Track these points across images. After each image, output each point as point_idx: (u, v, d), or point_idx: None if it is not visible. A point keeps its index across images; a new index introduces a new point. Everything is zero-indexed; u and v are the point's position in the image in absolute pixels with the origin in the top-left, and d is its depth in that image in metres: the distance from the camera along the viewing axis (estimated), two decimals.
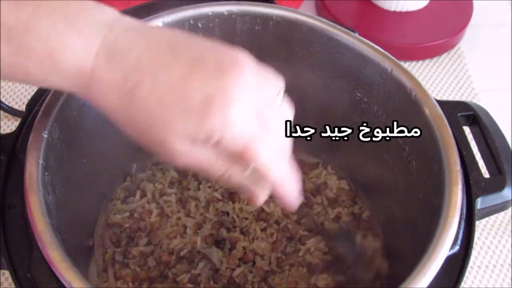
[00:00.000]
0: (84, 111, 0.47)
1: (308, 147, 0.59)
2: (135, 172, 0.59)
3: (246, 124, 0.32)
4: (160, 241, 0.54)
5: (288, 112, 0.36)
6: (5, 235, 0.39)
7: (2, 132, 0.46)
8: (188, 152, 0.33)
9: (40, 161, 0.41)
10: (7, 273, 0.39)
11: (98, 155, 0.51)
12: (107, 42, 0.32)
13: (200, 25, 0.50)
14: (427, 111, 0.45)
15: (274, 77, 0.35)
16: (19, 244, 0.38)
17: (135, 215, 0.56)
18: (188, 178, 0.58)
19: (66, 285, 0.35)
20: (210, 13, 0.50)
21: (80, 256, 0.52)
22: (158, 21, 0.49)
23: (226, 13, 0.50)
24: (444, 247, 0.38)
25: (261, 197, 0.37)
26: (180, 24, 0.50)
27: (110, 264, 0.53)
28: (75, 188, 0.48)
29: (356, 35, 0.50)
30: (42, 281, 0.37)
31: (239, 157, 0.33)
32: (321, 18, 0.50)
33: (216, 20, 0.50)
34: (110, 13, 0.34)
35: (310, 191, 0.58)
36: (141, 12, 0.49)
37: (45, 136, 0.42)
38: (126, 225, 0.55)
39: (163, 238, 0.54)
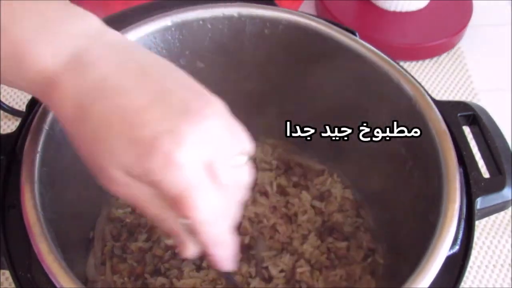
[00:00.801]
0: None
1: (315, 153, 0.60)
2: None
3: (190, 173, 0.29)
4: (158, 238, 0.54)
5: (245, 177, 0.33)
6: (5, 235, 0.39)
7: (2, 132, 0.46)
8: (124, 183, 0.31)
9: (39, 154, 0.41)
10: (7, 273, 0.39)
11: None
12: (78, 52, 0.31)
13: (209, 26, 0.50)
14: (431, 125, 0.44)
15: (242, 136, 0.32)
16: (19, 244, 0.38)
17: (137, 211, 0.56)
18: None
19: (51, 278, 0.36)
20: (220, 15, 0.50)
21: (79, 248, 0.53)
22: (167, 20, 0.49)
23: (236, 15, 0.50)
24: (435, 264, 0.38)
25: (189, 251, 0.34)
26: (189, 24, 0.49)
27: (108, 258, 0.53)
28: (77, 181, 0.48)
29: (368, 45, 0.49)
30: (42, 281, 0.36)
31: (175, 204, 0.30)
32: (331, 24, 0.50)
33: (226, 22, 0.50)
34: (94, 23, 0.32)
35: (314, 198, 0.58)
36: (138, 13, 0.49)
37: (46, 128, 0.42)
38: (127, 220, 0.55)
39: (162, 235, 0.54)
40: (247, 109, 0.59)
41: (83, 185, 0.49)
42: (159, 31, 0.49)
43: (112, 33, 0.33)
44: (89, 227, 0.55)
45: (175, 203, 0.30)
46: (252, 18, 0.50)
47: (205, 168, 0.30)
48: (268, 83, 0.56)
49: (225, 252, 0.34)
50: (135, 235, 0.55)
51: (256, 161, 0.60)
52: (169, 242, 0.53)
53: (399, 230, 0.50)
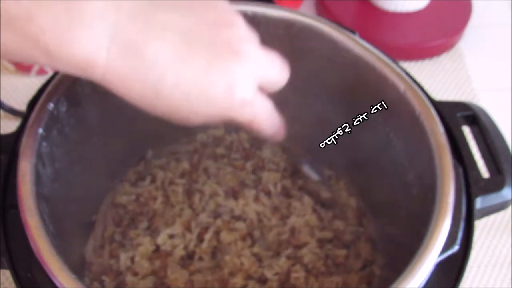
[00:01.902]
0: (100, 89, 0.47)
1: (326, 159, 0.59)
2: (150, 158, 0.60)
3: (256, 103, 0.37)
4: (157, 227, 0.54)
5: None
6: (5, 235, 0.39)
7: (2, 132, 0.46)
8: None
9: (40, 131, 0.41)
10: (7, 272, 0.39)
11: (112, 136, 0.52)
12: (117, 34, 0.31)
13: None
14: (431, 137, 0.44)
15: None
16: (19, 244, 0.38)
17: (141, 199, 0.57)
18: (198, 171, 0.59)
19: (35, 253, 0.36)
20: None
21: (80, 229, 0.53)
22: None
23: (250, 14, 0.50)
24: (441, 235, 0.37)
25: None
26: None
27: (108, 242, 0.54)
28: (82, 163, 0.48)
29: (380, 53, 0.49)
30: (42, 281, 0.37)
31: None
32: (343, 30, 0.50)
33: None
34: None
35: (316, 203, 0.58)
36: None
37: (50, 108, 0.43)
38: (130, 208, 0.56)
39: (161, 225, 0.54)
40: None
41: (90, 168, 0.50)
42: None
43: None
44: (93, 211, 0.56)
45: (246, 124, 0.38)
46: (266, 18, 0.51)
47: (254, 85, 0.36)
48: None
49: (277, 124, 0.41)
50: (136, 223, 0.55)
51: (264, 161, 0.60)
52: (168, 230, 0.54)
53: (399, 245, 0.50)
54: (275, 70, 0.39)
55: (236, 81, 0.34)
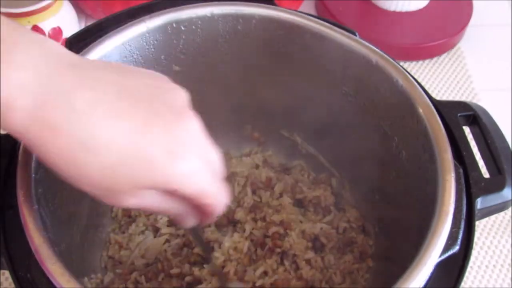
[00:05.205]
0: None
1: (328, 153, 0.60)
2: None
3: (199, 175, 0.32)
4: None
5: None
6: (5, 235, 0.39)
7: (2, 132, 0.45)
8: (140, 197, 0.31)
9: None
10: (7, 273, 0.39)
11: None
12: (47, 82, 0.28)
13: (183, 28, 0.50)
14: (415, 101, 0.44)
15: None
16: (19, 244, 0.38)
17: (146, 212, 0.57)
18: None
19: (33, 248, 0.36)
20: (193, 16, 0.50)
21: (78, 230, 0.53)
22: (142, 26, 0.48)
23: (209, 15, 0.50)
24: (442, 235, 0.37)
25: (190, 222, 0.36)
26: (163, 28, 0.49)
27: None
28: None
29: (340, 30, 0.49)
30: (41, 281, 0.36)
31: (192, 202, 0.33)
32: (301, 14, 0.50)
33: (199, 22, 0.50)
34: (46, 46, 0.29)
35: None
36: (138, 12, 0.49)
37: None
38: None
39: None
40: (225, 113, 0.59)
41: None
42: (133, 38, 0.48)
43: (62, 52, 0.30)
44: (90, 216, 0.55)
45: (192, 199, 0.33)
46: (224, 16, 0.50)
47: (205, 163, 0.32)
48: (247, 83, 0.56)
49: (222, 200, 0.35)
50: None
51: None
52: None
53: (392, 224, 0.51)
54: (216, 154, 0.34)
55: (178, 145, 0.30)
